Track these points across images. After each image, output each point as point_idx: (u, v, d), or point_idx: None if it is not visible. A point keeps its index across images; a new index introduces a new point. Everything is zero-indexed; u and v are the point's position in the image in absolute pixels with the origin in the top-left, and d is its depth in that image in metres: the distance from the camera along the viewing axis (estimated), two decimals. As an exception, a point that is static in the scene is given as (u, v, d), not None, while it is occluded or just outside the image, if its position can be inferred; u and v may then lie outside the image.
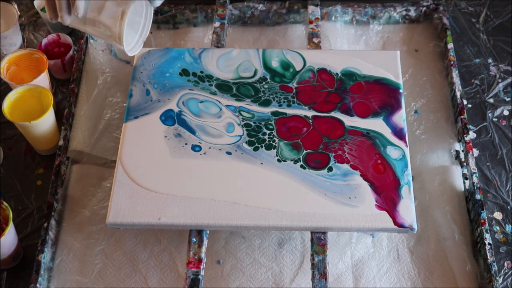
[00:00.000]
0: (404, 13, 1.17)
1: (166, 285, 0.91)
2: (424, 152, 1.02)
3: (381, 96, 0.98)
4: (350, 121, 0.96)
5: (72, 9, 0.87)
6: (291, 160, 0.92)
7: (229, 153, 0.93)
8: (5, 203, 0.89)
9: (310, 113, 0.97)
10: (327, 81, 1.00)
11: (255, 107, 0.98)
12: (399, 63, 1.02)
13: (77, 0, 0.86)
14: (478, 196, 0.94)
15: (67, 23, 0.89)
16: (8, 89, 1.05)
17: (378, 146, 0.93)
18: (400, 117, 0.96)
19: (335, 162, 0.92)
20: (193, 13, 1.17)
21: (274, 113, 0.97)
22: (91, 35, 1.13)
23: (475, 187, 0.95)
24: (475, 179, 0.96)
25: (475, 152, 1.02)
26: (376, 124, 0.96)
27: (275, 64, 1.02)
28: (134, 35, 0.98)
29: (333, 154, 0.93)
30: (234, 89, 1.00)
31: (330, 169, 0.91)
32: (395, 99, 0.98)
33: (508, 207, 0.97)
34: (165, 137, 0.95)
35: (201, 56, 1.03)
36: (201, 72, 1.02)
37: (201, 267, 0.87)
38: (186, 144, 0.94)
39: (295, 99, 0.98)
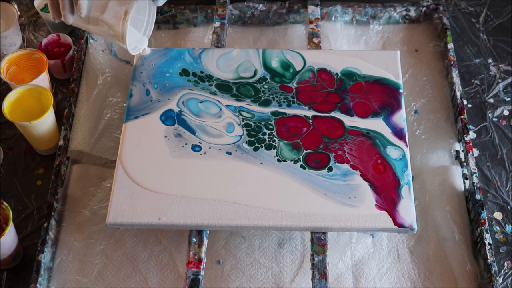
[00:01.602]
0: (404, 13, 1.17)
1: (166, 285, 0.91)
2: (424, 152, 1.02)
3: (381, 96, 0.98)
4: (350, 121, 0.96)
5: (75, 9, 0.88)
6: (291, 160, 0.92)
7: (229, 153, 0.93)
8: (5, 203, 0.89)
9: (310, 113, 0.97)
10: (327, 81, 1.00)
11: (255, 107, 0.98)
12: (399, 63, 1.02)
13: (80, 0, 0.86)
14: (478, 196, 0.94)
15: (70, 22, 0.90)
16: (8, 89, 1.05)
17: (378, 146, 0.93)
18: (400, 117, 0.96)
19: (335, 162, 0.92)
20: (193, 13, 1.17)
21: (274, 113, 0.97)
22: (94, 34, 1.13)
23: (475, 187, 0.95)
24: (475, 179, 0.96)
25: (475, 152, 1.02)
26: (376, 124, 0.96)
27: (275, 64, 1.02)
28: (137, 34, 0.98)
29: (333, 154, 0.93)
30: (234, 89, 1.00)
31: (330, 169, 0.91)
32: (395, 99, 0.98)
33: (508, 207, 0.97)
34: (165, 137, 0.95)
35: (201, 56, 1.03)
36: (201, 72, 1.02)
37: (201, 267, 0.87)
38: (186, 144, 0.94)
39: (295, 99, 0.98)
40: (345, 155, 0.93)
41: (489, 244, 0.90)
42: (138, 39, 0.99)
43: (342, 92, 0.99)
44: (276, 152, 0.93)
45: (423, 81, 1.10)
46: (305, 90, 1.00)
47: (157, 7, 0.97)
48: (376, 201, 0.89)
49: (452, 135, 1.03)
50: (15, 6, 1.13)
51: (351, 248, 0.94)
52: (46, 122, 0.97)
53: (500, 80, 1.10)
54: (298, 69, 1.02)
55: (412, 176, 0.95)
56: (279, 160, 0.92)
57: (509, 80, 1.10)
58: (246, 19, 1.18)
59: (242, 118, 0.97)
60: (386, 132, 0.95)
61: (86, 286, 0.91)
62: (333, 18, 1.17)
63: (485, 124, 1.06)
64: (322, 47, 1.11)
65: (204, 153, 0.93)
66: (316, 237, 0.89)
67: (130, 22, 0.92)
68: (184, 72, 1.02)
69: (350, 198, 0.89)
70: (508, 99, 1.08)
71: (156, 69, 1.02)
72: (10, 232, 0.88)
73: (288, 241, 0.95)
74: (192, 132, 0.95)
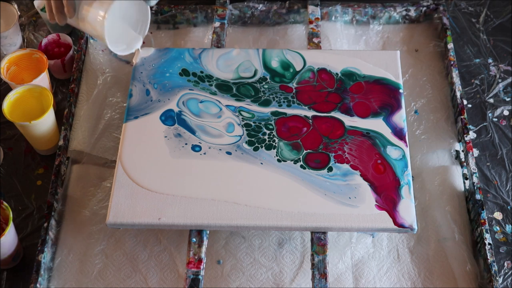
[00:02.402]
0: (404, 13, 1.17)
1: (166, 285, 0.91)
2: (424, 152, 1.02)
3: (381, 96, 0.98)
4: (350, 121, 0.96)
5: (65, 11, 0.91)
6: (291, 160, 0.92)
7: (229, 153, 0.93)
8: (5, 203, 0.89)
9: (310, 113, 0.97)
10: (327, 81, 1.00)
11: (255, 107, 0.98)
12: (399, 63, 1.02)
13: (68, 3, 0.90)
14: (478, 196, 0.94)
15: (63, 23, 0.94)
16: (8, 89, 1.05)
17: (378, 146, 0.93)
18: (400, 117, 0.96)
19: (335, 162, 0.92)
20: (193, 13, 1.17)
21: (274, 113, 0.97)
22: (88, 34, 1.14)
23: (475, 187, 0.95)
24: (475, 179, 0.96)
25: (475, 152, 1.02)
26: (376, 124, 0.96)
27: (275, 64, 1.02)
28: (132, 33, 0.99)
29: (333, 154, 0.93)
30: (234, 89, 1.00)
31: (330, 169, 0.91)
32: (395, 99, 0.98)
33: (508, 207, 0.97)
34: (165, 137, 0.95)
35: (201, 56, 1.03)
36: (201, 72, 1.02)
37: (201, 267, 0.87)
38: (186, 144, 0.94)
39: (295, 99, 0.98)
40: (345, 155, 0.93)
41: (489, 244, 0.90)
42: (132, 38, 0.99)
43: (342, 92, 0.99)
44: (276, 152, 0.93)
45: (423, 81, 1.10)
46: (305, 90, 1.00)
47: (150, 6, 0.98)
48: (376, 201, 0.89)
49: (452, 135, 1.03)
50: (15, 6, 1.13)
51: (351, 248, 0.94)
52: (46, 122, 0.97)
53: (500, 80, 1.10)
54: (298, 69, 1.02)
55: (412, 176, 0.95)
56: (279, 160, 0.92)
57: (509, 80, 1.10)
58: (246, 19, 1.18)
59: (242, 118, 0.97)
60: (386, 132, 0.95)
61: (86, 286, 0.91)
62: (333, 18, 1.17)
63: (485, 124, 1.06)
64: (322, 47, 1.11)
65: (204, 153, 0.93)
66: (316, 237, 0.89)
67: (124, 21, 0.94)
68: (184, 72, 1.02)
69: (350, 198, 0.89)
70: (508, 99, 1.08)
71: (156, 69, 1.02)
72: (10, 232, 0.88)
73: (288, 241, 0.95)
74: (192, 132, 0.95)
